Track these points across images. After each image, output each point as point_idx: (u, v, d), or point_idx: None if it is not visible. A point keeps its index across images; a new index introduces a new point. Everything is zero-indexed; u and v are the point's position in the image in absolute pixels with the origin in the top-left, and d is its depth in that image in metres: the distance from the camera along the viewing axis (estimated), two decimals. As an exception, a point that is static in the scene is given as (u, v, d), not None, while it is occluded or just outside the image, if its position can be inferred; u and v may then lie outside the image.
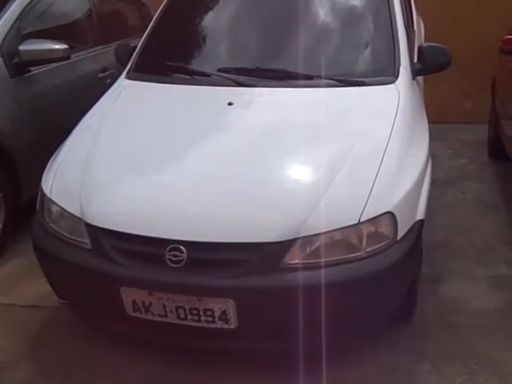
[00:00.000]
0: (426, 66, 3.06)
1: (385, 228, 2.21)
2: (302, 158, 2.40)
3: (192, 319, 2.18)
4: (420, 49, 3.07)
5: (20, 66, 3.47)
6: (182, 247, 2.12)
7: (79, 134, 2.73)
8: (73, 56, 3.76)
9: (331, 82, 2.79)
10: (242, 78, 2.83)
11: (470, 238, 3.57)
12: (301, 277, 2.09)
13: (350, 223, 2.14)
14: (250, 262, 2.10)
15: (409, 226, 2.30)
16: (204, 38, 3.19)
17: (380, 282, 2.19)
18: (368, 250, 2.17)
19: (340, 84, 2.79)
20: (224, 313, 2.14)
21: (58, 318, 2.77)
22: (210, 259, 2.13)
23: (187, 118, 2.67)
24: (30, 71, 3.54)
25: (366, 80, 2.81)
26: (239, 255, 2.11)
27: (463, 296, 2.95)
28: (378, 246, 2.19)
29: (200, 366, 2.43)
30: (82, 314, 2.52)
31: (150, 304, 2.20)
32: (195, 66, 3.05)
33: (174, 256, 2.13)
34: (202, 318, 2.17)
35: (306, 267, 2.11)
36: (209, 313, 2.15)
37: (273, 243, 2.09)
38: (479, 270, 3.20)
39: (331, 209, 2.16)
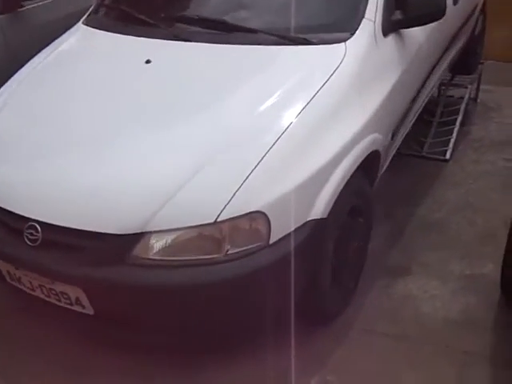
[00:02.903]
0: (409, 18, 2.50)
1: (252, 229, 1.90)
2: (181, 137, 2.07)
3: (54, 299, 2.10)
4: (401, -5, 2.49)
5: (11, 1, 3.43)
6: (37, 226, 2.01)
7: (9, 81, 2.64)
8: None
9: (273, 38, 2.37)
10: (177, 31, 2.51)
11: (473, 223, 3.03)
12: (146, 274, 1.89)
13: (206, 221, 1.86)
14: (96, 252, 1.93)
15: (292, 228, 1.96)
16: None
17: (241, 288, 1.92)
18: (229, 252, 1.89)
19: (282, 41, 2.37)
20: (78, 299, 2.03)
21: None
22: (61, 243, 1.99)
23: (100, 75, 2.45)
24: (22, 6, 3.49)
25: (314, 37, 2.35)
26: (85, 243, 1.94)
27: (418, 297, 2.53)
28: (242, 248, 1.89)
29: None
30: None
31: (20, 277, 2.15)
32: (139, 13, 2.71)
33: (31, 234, 2.02)
34: (62, 300, 2.08)
35: (154, 265, 1.89)
36: (65, 296, 2.05)
37: (117, 235, 1.89)
38: (458, 265, 2.72)
39: (188, 203, 1.89)
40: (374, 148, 2.36)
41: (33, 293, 2.16)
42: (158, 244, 1.89)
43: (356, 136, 2.17)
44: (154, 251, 1.90)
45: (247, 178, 1.89)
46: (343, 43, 2.32)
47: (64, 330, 2.32)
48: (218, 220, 1.85)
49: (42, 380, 2.20)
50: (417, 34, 2.70)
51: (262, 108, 2.12)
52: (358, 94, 2.26)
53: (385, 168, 2.79)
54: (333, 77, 2.20)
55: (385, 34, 2.47)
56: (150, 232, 1.88)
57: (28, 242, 2.02)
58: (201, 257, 1.88)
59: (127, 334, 2.09)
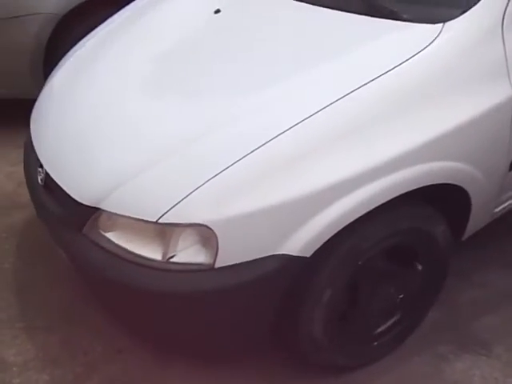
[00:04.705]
0: None
1: (195, 244, 1.53)
2: (194, 110, 1.71)
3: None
4: None
5: None
6: (43, 167, 1.96)
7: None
8: None
9: (357, 5, 1.83)
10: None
11: None
12: (91, 251, 1.67)
13: (148, 218, 1.55)
14: (68, 214, 1.79)
15: (249, 258, 1.51)
16: None
17: (167, 307, 1.61)
18: (172, 260, 1.57)
19: (366, 11, 1.78)
20: (63, 249, 1.97)
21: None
22: (53, 192, 1.90)
23: (168, 26, 2.19)
24: None
25: (407, 12, 1.71)
26: (63, 201, 1.81)
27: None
28: (183, 261, 1.55)
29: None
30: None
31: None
32: None
33: (39, 173, 1.99)
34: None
35: (103, 246, 1.67)
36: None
37: (78, 203, 1.71)
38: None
39: (138, 193, 1.60)
40: (448, 181, 1.68)
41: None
42: (105, 225, 1.68)
43: (400, 157, 1.54)
44: (105, 232, 1.68)
45: (206, 182, 1.50)
46: (440, 24, 1.63)
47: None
48: (160, 221, 1.53)
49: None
50: None
51: (286, 88, 1.66)
52: (434, 97, 1.58)
53: (502, 208, 2.02)
54: (400, 67, 1.57)
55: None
56: (103, 210, 1.67)
57: (39, 179, 2.01)
58: (142, 254, 1.61)
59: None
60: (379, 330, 1.88)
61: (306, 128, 1.53)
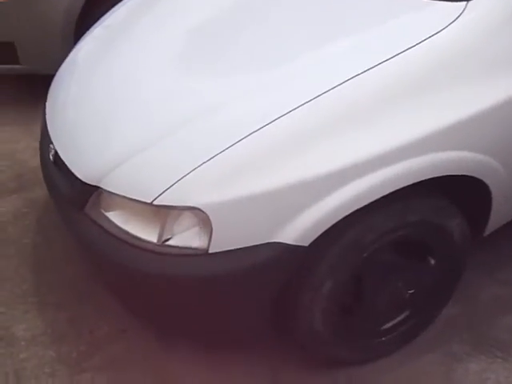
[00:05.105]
0: None
1: (191, 228, 1.49)
2: (198, 90, 1.66)
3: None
4: None
5: None
6: (53, 143, 1.95)
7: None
8: None
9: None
10: None
11: None
12: (91, 230, 1.66)
13: (144, 199, 1.51)
14: (71, 192, 1.78)
15: (244, 244, 1.46)
16: None
17: (161, 291, 1.58)
18: (168, 244, 1.53)
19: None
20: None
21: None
22: (61, 169, 1.89)
23: (188, 5, 2.12)
24: None
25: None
26: (68, 178, 1.80)
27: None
28: (178, 245, 1.51)
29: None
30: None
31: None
32: None
33: (50, 150, 1.98)
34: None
35: (99, 225, 1.64)
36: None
37: (80, 182, 1.69)
38: None
39: (136, 173, 1.56)
40: (464, 173, 1.57)
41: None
42: (107, 205, 1.65)
43: (410, 144, 1.45)
44: (102, 210, 1.66)
45: (201, 165, 1.44)
46: (464, 2, 1.51)
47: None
48: (155, 203, 1.49)
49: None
50: None
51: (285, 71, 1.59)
52: (453, 80, 1.47)
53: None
54: (418, 47, 1.47)
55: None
56: (101, 189, 1.64)
57: (49, 155, 2.01)
58: (139, 235, 1.57)
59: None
60: (387, 325, 1.79)
61: (309, 110, 1.45)
